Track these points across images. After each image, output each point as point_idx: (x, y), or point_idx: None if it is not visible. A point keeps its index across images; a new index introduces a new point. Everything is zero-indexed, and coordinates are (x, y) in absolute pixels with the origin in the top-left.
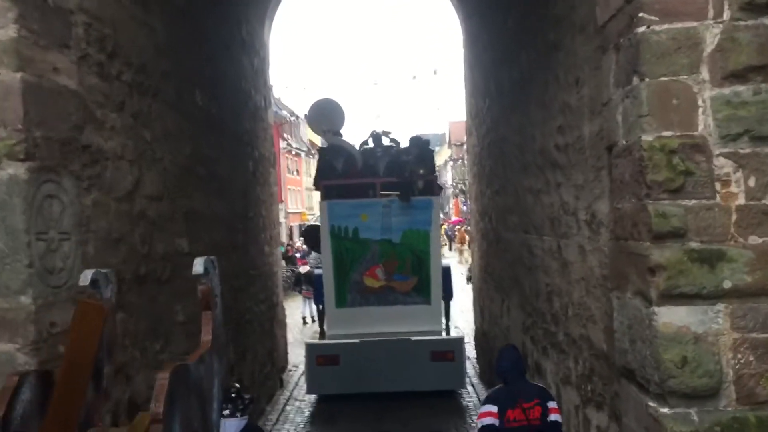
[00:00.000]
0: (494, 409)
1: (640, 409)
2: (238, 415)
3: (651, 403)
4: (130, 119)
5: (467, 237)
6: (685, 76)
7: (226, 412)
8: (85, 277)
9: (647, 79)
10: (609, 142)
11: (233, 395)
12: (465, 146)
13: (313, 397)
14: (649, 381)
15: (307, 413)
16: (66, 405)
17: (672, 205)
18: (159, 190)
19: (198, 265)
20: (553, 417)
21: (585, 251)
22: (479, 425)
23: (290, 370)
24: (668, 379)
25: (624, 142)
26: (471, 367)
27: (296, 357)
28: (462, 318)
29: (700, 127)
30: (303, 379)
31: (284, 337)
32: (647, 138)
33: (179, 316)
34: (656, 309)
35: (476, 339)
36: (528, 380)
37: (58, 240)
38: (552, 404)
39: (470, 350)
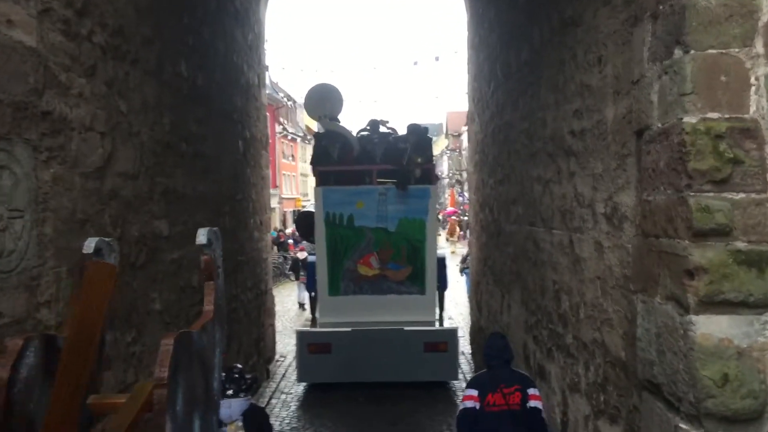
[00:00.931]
0: (475, 393)
1: (666, 429)
2: (242, 395)
3: (682, 425)
4: (103, 87)
5: (458, 228)
6: (737, 50)
7: (230, 392)
8: (89, 245)
9: (692, 51)
10: (639, 126)
11: (236, 375)
12: (462, 136)
13: (300, 389)
14: (680, 399)
15: (293, 407)
16: (75, 369)
17: (717, 198)
18: (135, 167)
19: (201, 236)
20: (533, 403)
21: (602, 248)
22: (461, 407)
23: (278, 361)
24: (706, 399)
25: (659, 125)
26: (465, 363)
27: (285, 346)
28: (456, 311)
29: (752, 109)
30: (291, 370)
31: (272, 326)
32: (690, 120)
33: (156, 304)
34: (693, 318)
35: (472, 334)
36: (513, 368)
37: (8, 218)
38: (533, 391)
39: (465, 344)
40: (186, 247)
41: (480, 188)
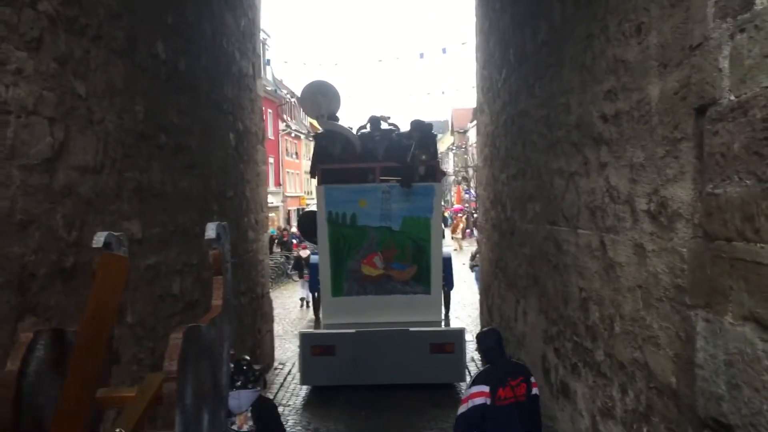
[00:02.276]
0: (486, 389)
1: None
2: (250, 386)
3: None
4: (53, 64)
5: (461, 225)
6: None
7: (238, 383)
8: (98, 239)
9: None
10: (700, 102)
11: (244, 367)
12: (468, 133)
13: (299, 400)
14: None
15: (290, 422)
16: (87, 363)
17: None
18: (97, 159)
19: (210, 230)
20: (534, 391)
21: (645, 251)
22: (470, 405)
23: (276, 369)
24: None
25: (732, 97)
26: (475, 369)
27: (284, 352)
28: (464, 312)
29: None
30: (290, 379)
31: (270, 332)
32: None
33: (127, 317)
34: None
35: None
36: (509, 359)
37: None
38: (533, 380)
39: (473, 349)
40: (165, 250)
41: (491, 184)
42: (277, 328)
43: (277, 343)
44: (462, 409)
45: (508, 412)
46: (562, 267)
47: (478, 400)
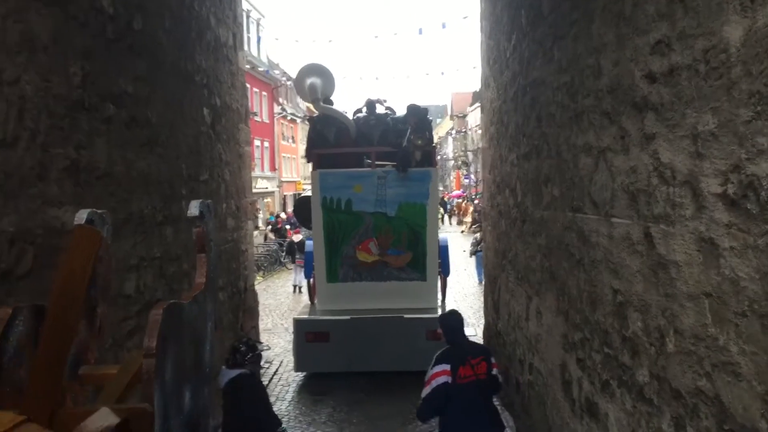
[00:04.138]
0: (447, 367)
1: None
2: (229, 365)
3: None
4: None
5: (470, 210)
6: None
7: (229, 363)
8: (80, 216)
9: None
10: None
11: (236, 348)
12: (468, 117)
13: (285, 404)
14: None
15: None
16: (57, 335)
17: None
18: (6, 130)
19: (194, 208)
20: (494, 371)
21: (717, 249)
22: (433, 385)
23: (261, 368)
24: None
25: None
26: None
27: (273, 347)
28: (464, 303)
29: None
30: (276, 380)
31: (255, 328)
32: None
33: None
34: None
35: (487, 337)
36: (468, 339)
37: None
38: (493, 360)
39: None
40: (114, 243)
41: (497, 166)
42: (267, 321)
43: (265, 337)
44: (426, 391)
45: (468, 389)
46: (589, 262)
47: (441, 379)
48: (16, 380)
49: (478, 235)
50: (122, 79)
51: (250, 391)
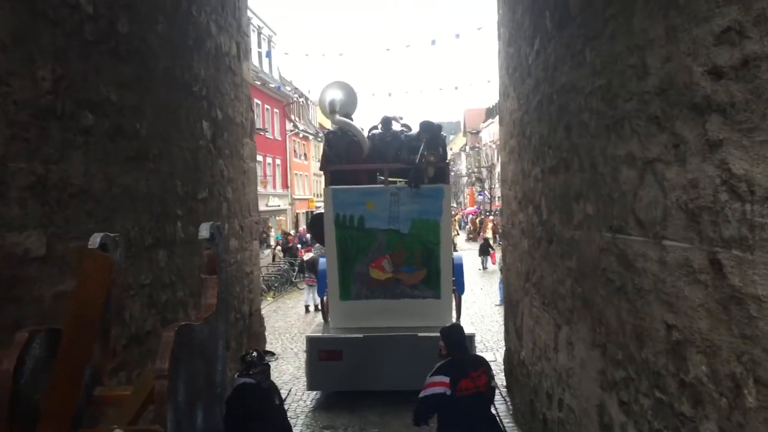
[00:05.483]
0: (446, 379)
1: None
2: (238, 375)
3: None
4: None
5: (490, 225)
6: None
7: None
8: (94, 240)
9: None
10: None
11: (241, 358)
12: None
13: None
14: None
15: None
16: (72, 360)
17: None
18: None
19: (204, 231)
20: (493, 383)
21: None
22: (428, 392)
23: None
24: None
25: None
26: (500, 400)
27: (281, 375)
28: (482, 326)
29: None
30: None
31: None
32: None
33: (126, 317)
34: None
35: (508, 365)
36: (469, 352)
37: None
38: (491, 372)
39: (497, 375)
40: None
41: (518, 181)
42: (276, 345)
43: (273, 364)
44: (423, 393)
45: (469, 402)
46: (633, 291)
47: (437, 390)
48: (32, 402)
49: (483, 240)
50: (104, 85)
51: (252, 402)
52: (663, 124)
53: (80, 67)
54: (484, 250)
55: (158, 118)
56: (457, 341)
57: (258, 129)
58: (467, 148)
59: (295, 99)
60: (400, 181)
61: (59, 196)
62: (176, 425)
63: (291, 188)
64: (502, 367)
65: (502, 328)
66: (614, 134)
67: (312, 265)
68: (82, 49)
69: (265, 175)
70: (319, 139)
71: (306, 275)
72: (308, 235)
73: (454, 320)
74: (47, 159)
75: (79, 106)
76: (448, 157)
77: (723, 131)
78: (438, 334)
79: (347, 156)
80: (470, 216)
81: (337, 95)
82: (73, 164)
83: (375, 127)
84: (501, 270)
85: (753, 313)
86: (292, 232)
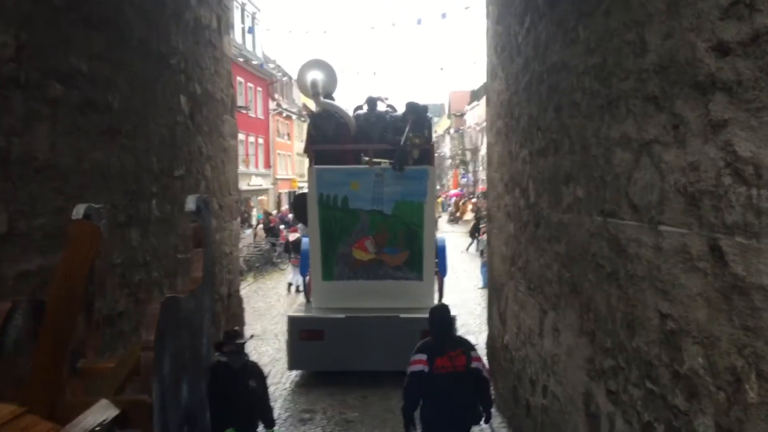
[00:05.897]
0: (424, 357)
1: None
2: (217, 354)
3: None
4: None
5: (469, 207)
6: None
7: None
8: (78, 210)
9: None
10: None
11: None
12: (466, 116)
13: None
14: None
15: None
16: (57, 329)
17: None
18: None
19: (190, 203)
20: (475, 365)
21: None
22: (411, 369)
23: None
24: None
25: None
26: None
27: (260, 357)
28: (464, 310)
29: None
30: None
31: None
32: None
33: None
34: None
35: (491, 350)
36: (453, 333)
37: None
38: (474, 354)
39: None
40: (59, 249)
41: (505, 163)
42: (256, 326)
43: (252, 344)
44: (408, 369)
45: (446, 381)
46: (625, 277)
47: (417, 367)
48: (15, 373)
49: (472, 223)
50: (74, 55)
51: (218, 381)
52: (662, 103)
53: (48, 34)
54: (474, 232)
55: (133, 92)
56: (437, 321)
57: (240, 107)
58: (452, 130)
59: (279, 78)
60: (384, 162)
61: (22, 171)
62: (161, 397)
63: (274, 168)
64: (485, 351)
65: (485, 311)
66: (608, 115)
67: (298, 245)
68: (50, 16)
69: (247, 154)
70: (303, 119)
71: (292, 256)
72: (290, 216)
73: (436, 302)
74: (9, 131)
75: (45, 75)
76: (433, 139)
77: (728, 111)
78: (421, 316)
79: (335, 138)
80: (453, 198)
81: (317, 75)
82: (39, 137)
83: (360, 107)
84: (483, 253)
85: (757, 304)
86: (275, 212)
